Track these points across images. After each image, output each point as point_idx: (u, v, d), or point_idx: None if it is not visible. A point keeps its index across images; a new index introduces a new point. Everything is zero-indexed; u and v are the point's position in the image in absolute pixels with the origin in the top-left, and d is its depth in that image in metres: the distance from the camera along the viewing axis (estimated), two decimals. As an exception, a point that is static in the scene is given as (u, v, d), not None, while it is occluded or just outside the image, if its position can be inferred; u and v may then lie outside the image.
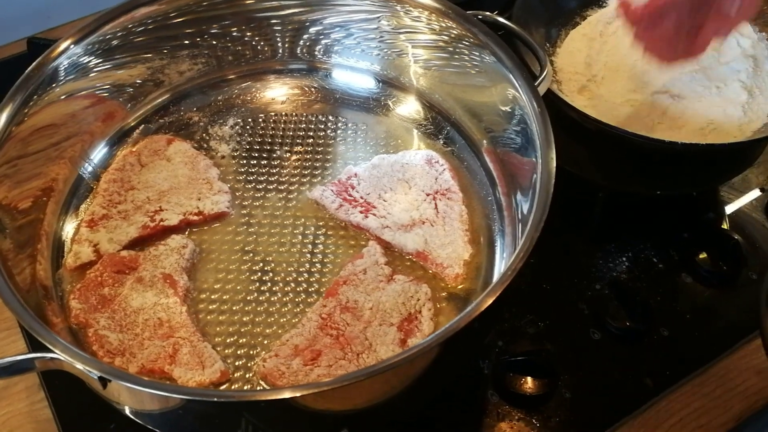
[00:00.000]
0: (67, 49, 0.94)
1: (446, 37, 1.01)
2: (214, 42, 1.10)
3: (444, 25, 1.00)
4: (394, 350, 0.83)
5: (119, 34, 1.00)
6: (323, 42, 1.12)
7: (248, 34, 1.10)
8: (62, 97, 0.96)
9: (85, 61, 0.97)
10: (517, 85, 0.91)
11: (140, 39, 1.03)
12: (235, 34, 1.10)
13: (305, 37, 1.12)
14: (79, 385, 0.76)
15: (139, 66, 1.06)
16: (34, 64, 0.92)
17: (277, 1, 1.07)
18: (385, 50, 1.10)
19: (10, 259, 0.83)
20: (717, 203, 1.09)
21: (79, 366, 0.69)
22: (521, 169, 0.92)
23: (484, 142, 1.03)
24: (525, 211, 0.89)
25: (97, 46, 0.98)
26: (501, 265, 0.92)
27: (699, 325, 0.96)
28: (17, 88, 0.89)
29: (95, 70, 1.00)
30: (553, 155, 0.82)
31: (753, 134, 1.02)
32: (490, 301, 0.71)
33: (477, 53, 0.98)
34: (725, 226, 1.06)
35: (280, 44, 1.12)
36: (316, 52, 1.13)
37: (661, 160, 1.04)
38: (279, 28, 1.11)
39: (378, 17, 1.05)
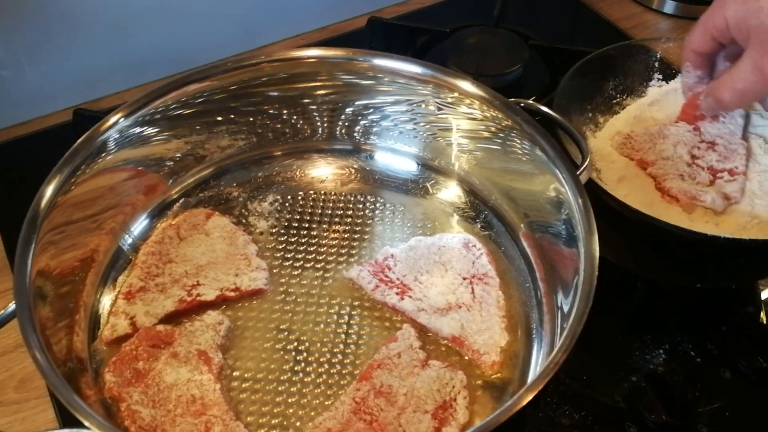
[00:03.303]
0: (116, 123, 0.96)
1: (490, 124, 1.02)
2: (251, 119, 1.11)
3: (489, 114, 1.00)
4: (428, 438, 0.82)
5: (172, 107, 1.02)
6: (362, 123, 1.13)
7: (284, 111, 1.12)
8: (107, 170, 0.97)
9: (132, 136, 0.99)
10: (559, 174, 0.91)
11: (188, 113, 1.04)
12: (272, 112, 1.11)
13: (343, 117, 1.13)
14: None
15: (181, 141, 1.07)
16: (84, 136, 0.93)
17: (322, 83, 1.08)
18: (427, 134, 1.11)
19: (49, 328, 0.83)
20: (755, 296, 1.07)
21: (113, 443, 0.69)
22: (561, 258, 0.92)
23: (522, 226, 1.03)
24: (565, 301, 0.88)
25: (146, 119, 1.00)
26: (539, 354, 0.91)
27: (739, 423, 0.93)
28: (66, 159, 0.91)
29: (141, 144, 1.01)
30: (596, 247, 0.82)
31: (796, 230, 1.01)
32: (530, 397, 0.70)
33: (519, 141, 0.98)
34: (764, 320, 1.04)
35: (319, 124, 1.14)
36: (355, 134, 1.14)
37: (703, 254, 1.03)
38: (314, 107, 1.12)
39: (421, 102, 1.07)
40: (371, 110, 1.12)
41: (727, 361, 0.99)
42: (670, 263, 1.07)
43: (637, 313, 1.06)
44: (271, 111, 1.11)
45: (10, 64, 1.26)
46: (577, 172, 0.90)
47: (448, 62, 1.30)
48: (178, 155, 1.08)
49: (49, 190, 0.88)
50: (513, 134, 0.99)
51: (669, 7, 1.50)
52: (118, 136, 0.97)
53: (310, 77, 1.08)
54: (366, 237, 1.05)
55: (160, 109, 1.01)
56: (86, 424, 0.69)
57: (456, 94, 1.02)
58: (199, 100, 1.04)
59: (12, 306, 0.79)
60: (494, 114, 1.00)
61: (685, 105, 1.12)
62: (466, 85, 1.01)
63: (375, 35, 1.40)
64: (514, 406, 0.70)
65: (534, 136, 0.95)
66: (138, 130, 0.99)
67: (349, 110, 1.12)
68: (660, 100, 1.18)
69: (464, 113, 1.04)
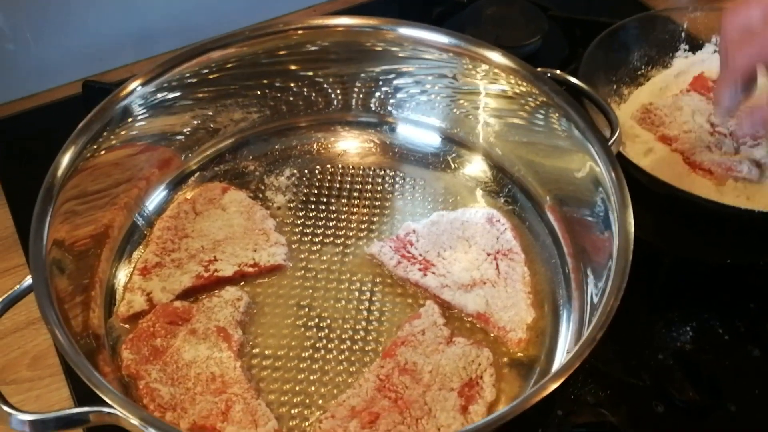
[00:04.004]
0: (133, 91, 0.93)
1: (519, 96, 0.99)
2: (258, 92, 1.08)
3: (518, 85, 0.98)
4: (455, 417, 0.80)
5: (187, 77, 0.99)
6: (376, 95, 1.11)
7: (291, 84, 1.09)
8: (122, 144, 0.95)
9: (150, 106, 0.96)
10: (590, 146, 0.89)
11: (198, 84, 1.01)
12: (278, 85, 1.08)
13: (356, 89, 1.10)
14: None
15: (189, 114, 1.04)
16: (101, 104, 0.91)
17: (336, 54, 1.06)
18: (451, 107, 1.08)
19: (67, 302, 0.80)
20: (784, 272, 1.05)
21: (137, 422, 0.66)
22: (591, 233, 0.89)
23: (548, 199, 1.01)
24: (596, 276, 0.86)
25: (164, 87, 0.97)
26: (567, 331, 0.89)
27: (768, 402, 0.91)
28: (82, 128, 0.88)
29: (156, 116, 0.98)
30: (631, 221, 0.80)
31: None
32: (566, 376, 0.68)
33: (548, 113, 0.96)
34: (793, 296, 1.02)
35: (333, 96, 1.11)
36: (371, 105, 1.11)
37: (734, 229, 1.01)
38: (321, 79, 1.09)
39: (447, 74, 1.04)
40: (388, 81, 1.09)
41: (755, 338, 0.97)
42: (699, 239, 1.05)
43: (663, 290, 1.04)
44: (277, 84, 1.08)
45: (14, 37, 1.23)
46: (609, 143, 0.88)
47: (466, 33, 1.26)
48: (187, 129, 1.05)
49: (65, 159, 0.85)
50: (542, 107, 0.96)
51: (690, -21, 1.47)
52: (135, 104, 0.94)
53: (326, 48, 1.05)
54: (386, 212, 1.03)
55: (185, 76, 0.98)
56: (107, 400, 0.67)
57: (485, 66, 0.99)
58: (202, 75, 1.01)
59: (28, 280, 0.76)
60: (523, 85, 0.97)
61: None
62: (496, 56, 0.98)
63: (389, 6, 1.37)
64: (547, 387, 0.67)
65: (564, 106, 0.92)
66: (156, 98, 0.97)
67: (360, 82, 1.09)
68: (686, 71, 1.15)
69: (492, 86, 1.01)
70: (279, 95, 1.09)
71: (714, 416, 0.90)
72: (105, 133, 0.90)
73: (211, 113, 1.06)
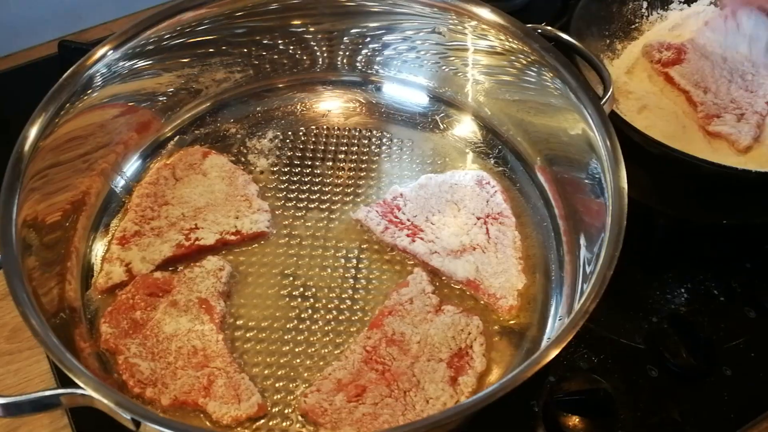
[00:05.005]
0: (104, 55, 0.89)
1: (508, 52, 0.96)
2: (245, 49, 1.05)
3: (508, 44, 0.95)
4: (444, 389, 0.78)
5: (164, 38, 0.96)
6: (363, 52, 1.07)
7: (280, 41, 1.05)
8: (96, 106, 0.91)
9: (121, 69, 0.93)
10: (582, 106, 0.86)
11: (179, 44, 0.98)
12: (266, 42, 1.05)
13: (342, 46, 1.07)
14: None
15: (173, 74, 1.01)
16: (69, 71, 0.87)
17: (320, 11, 1.02)
18: (439, 65, 1.05)
19: (35, 279, 0.78)
20: (780, 231, 1.03)
21: (111, 404, 0.64)
22: (585, 194, 0.87)
23: (538, 160, 0.98)
24: (588, 241, 0.84)
25: (136, 51, 0.93)
26: (559, 298, 0.87)
27: (765, 365, 0.90)
28: (50, 97, 0.85)
29: (132, 78, 0.95)
30: (624, 184, 0.77)
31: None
32: (559, 349, 0.66)
33: (540, 71, 0.93)
34: (789, 254, 1.00)
35: (318, 54, 1.08)
36: (358, 63, 1.08)
37: (732, 188, 0.99)
38: (309, 36, 1.05)
39: (431, 30, 1.00)
40: (373, 38, 1.05)
41: (751, 300, 0.95)
42: (694, 199, 1.03)
43: (657, 251, 1.02)
44: (265, 41, 1.04)
45: (-11, -7, 1.19)
46: (602, 102, 0.84)
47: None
48: (171, 89, 1.01)
49: (33, 132, 0.82)
50: (533, 64, 0.93)
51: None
52: (106, 70, 0.91)
53: (308, 4, 1.01)
54: (373, 175, 1.00)
55: (152, 39, 0.94)
56: (80, 384, 0.64)
57: (473, 22, 0.96)
58: (191, 30, 0.98)
59: (-3, 256, 0.74)
60: (514, 42, 0.94)
61: None
62: (484, 12, 0.95)
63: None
64: (542, 359, 0.65)
65: (555, 66, 0.89)
66: (128, 63, 0.93)
67: (347, 38, 1.06)
68: (681, 24, 1.12)
69: (481, 42, 0.98)
70: (264, 53, 1.05)
71: (709, 380, 0.88)
72: (71, 103, 0.87)
73: (195, 72, 1.02)
